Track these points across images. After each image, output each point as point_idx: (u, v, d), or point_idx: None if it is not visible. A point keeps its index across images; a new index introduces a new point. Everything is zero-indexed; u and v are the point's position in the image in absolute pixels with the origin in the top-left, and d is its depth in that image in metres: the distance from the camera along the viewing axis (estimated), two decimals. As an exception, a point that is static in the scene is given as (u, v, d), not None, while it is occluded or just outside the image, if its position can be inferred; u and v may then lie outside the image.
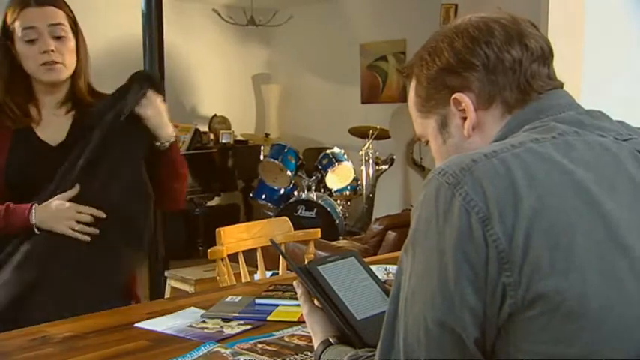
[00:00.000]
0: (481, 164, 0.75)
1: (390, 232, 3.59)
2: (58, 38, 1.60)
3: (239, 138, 7.12)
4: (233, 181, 6.57)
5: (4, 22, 1.62)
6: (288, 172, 5.36)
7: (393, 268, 1.71)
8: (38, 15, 1.58)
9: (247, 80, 7.66)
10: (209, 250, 2.00)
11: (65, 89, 1.68)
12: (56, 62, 1.60)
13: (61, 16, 1.62)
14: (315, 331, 1.05)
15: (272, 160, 5.40)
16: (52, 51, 1.59)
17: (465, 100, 0.88)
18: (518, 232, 0.71)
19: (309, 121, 7.28)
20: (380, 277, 1.21)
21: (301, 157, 5.58)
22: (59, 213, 1.54)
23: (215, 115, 7.00)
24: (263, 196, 5.55)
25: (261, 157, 5.95)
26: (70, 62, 1.64)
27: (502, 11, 0.91)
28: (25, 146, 1.64)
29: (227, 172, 6.53)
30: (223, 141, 6.77)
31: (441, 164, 0.79)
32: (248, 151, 6.72)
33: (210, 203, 6.14)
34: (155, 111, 1.63)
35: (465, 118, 0.89)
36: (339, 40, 6.96)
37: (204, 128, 6.71)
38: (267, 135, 7.22)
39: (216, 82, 7.21)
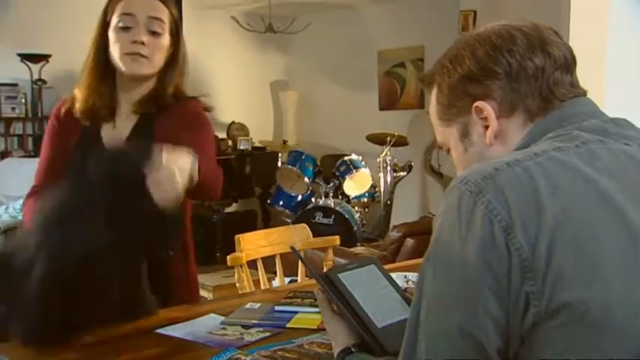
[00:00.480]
0: (503, 172, 0.75)
1: (408, 239, 3.57)
2: (153, 33, 1.55)
3: (257, 144, 7.15)
4: (251, 187, 6.60)
5: (105, 10, 1.58)
6: (306, 179, 5.37)
7: (412, 275, 1.71)
8: (140, 4, 1.55)
9: (265, 87, 7.69)
10: (229, 257, 2.01)
11: (146, 88, 1.62)
12: (142, 56, 1.54)
13: (162, 12, 1.57)
14: (336, 339, 1.04)
15: (290, 166, 5.41)
16: (143, 43, 1.53)
17: (487, 108, 0.87)
18: (541, 240, 0.70)
19: (327, 128, 7.29)
20: (399, 285, 1.21)
21: (319, 163, 5.58)
22: None
23: (233, 122, 7.04)
24: (281, 203, 5.56)
25: (279, 164, 5.97)
26: (158, 60, 1.58)
27: (524, 19, 0.91)
28: (86, 145, 1.60)
29: (245, 179, 6.56)
30: (241, 147, 6.80)
31: (462, 172, 0.79)
32: (266, 158, 6.75)
33: (227, 210, 6.17)
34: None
35: (486, 127, 0.89)
36: (356, 47, 6.97)
37: (222, 135, 6.75)
38: (284, 141, 7.25)
39: (235, 89, 7.25)
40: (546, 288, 0.70)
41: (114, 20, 1.55)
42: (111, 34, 1.56)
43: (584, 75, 0.93)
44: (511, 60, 0.87)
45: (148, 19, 1.55)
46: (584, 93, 0.90)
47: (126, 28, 1.54)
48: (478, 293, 0.72)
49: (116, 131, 1.61)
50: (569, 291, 0.69)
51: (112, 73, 1.60)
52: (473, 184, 0.75)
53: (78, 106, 1.61)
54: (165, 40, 1.59)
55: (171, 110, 1.64)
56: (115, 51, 1.56)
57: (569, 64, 0.88)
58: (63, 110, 1.65)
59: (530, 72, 0.86)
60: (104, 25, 1.58)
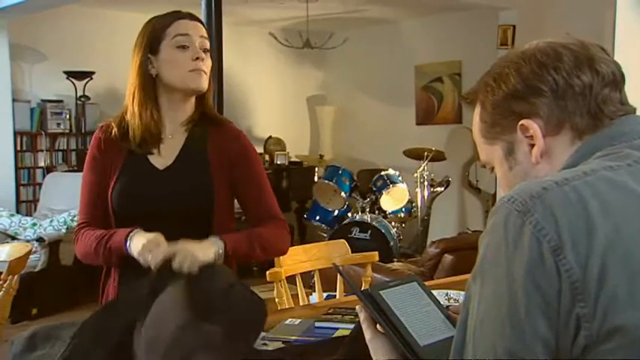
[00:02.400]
0: (552, 192, 0.74)
1: (446, 255, 3.53)
2: (205, 51, 1.62)
3: (294, 159, 7.19)
4: (287, 201, 6.63)
5: (150, 35, 1.61)
6: (343, 194, 5.37)
7: (454, 293, 1.69)
8: (192, 26, 1.62)
9: (302, 102, 7.75)
10: (268, 272, 2.02)
11: (191, 109, 1.67)
12: (204, 72, 1.61)
13: (206, 34, 1.65)
14: (378, 357, 1.04)
15: (326, 181, 5.42)
16: (203, 59, 1.61)
17: (533, 126, 0.86)
18: (592, 261, 0.69)
19: (364, 143, 7.29)
20: (441, 303, 1.19)
21: (355, 178, 5.58)
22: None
23: (270, 137, 7.10)
24: (317, 217, 5.57)
25: (316, 179, 5.99)
26: (209, 76, 1.65)
27: (570, 36, 0.90)
28: (133, 169, 1.62)
29: (281, 193, 6.60)
30: (278, 162, 6.85)
31: (509, 191, 0.78)
32: (302, 173, 6.78)
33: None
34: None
35: (532, 145, 0.88)
36: (393, 62, 6.98)
37: (259, 149, 6.81)
38: (321, 156, 7.27)
39: (272, 104, 7.33)
40: (598, 311, 0.68)
41: (170, 42, 1.59)
42: (168, 55, 1.59)
43: (629, 92, 0.91)
44: (557, 77, 0.86)
45: (200, 39, 1.61)
46: (634, 110, 0.88)
47: (183, 47, 1.59)
48: (526, 314, 0.71)
49: (164, 153, 1.64)
50: (622, 314, 0.68)
51: (156, 95, 1.64)
52: (520, 203, 0.74)
53: (125, 135, 1.62)
54: (209, 58, 1.64)
55: (218, 129, 1.68)
56: (175, 70, 1.60)
57: (617, 81, 0.87)
58: (103, 137, 1.66)
59: (577, 89, 0.85)
60: (150, 49, 1.61)
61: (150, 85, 1.62)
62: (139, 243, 1.44)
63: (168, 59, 1.60)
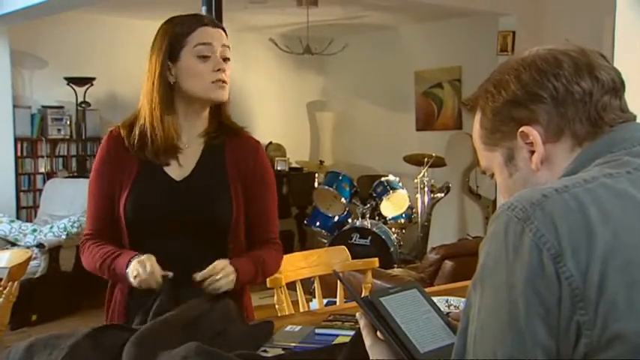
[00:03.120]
0: (552, 199, 0.74)
1: (446, 261, 3.53)
2: (225, 60, 1.57)
3: (294, 165, 7.19)
4: (287, 207, 6.63)
5: (169, 39, 1.54)
6: (343, 200, 5.37)
7: (454, 300, 1.69)
8: (215, 34, 1.56)
9: (302, 108, 7.76)
10: (268, 279, 2.01)
11: (207, 119, 1.62)
12: (225, 82, 1.56)
13: (227, 39, 1.59)
14: (378, 364, 1.04)
15: (326, 187, 5.42)
16: (224, 70, 1.56)
17: (533, 133, 0.87)
18: (593, 269, 0.69)
19: (364, 149, 7.30)
20: (442, 310, 1.19)
21: (355, 184, 5.58)
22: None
23: (270, 143, 7.11)
24: (317, 223, 5.57)
25: (316, 184, 5.99)
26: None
27: (570, 43, 0.90)
28: (148, 179, 1.57)
29: (282, 199, 6.57)
30: (278, 168, 6.85)
31: (509, 199, 0.78)
32: (302, 178, 6.78)
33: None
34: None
35: (532, 152, 0.88)
36: (393, 68, 6.99)
37: (259, 155, 6.81)
38: (321, 162, 7.28)
39: (272, 110, 7.34)
40: (598, 318, 0.68)
41: (191, 50, 1.53)
42: (189, 64, 1.54)
43: (629, 99, 0.91)
44: (557, 84, 0.86)
45: (221, 48, 1.56)
46: (634, 118, 0.88)
47: (205, 57, 1.54)
48: (527, 322, 0.71)
49: (181, 163, 1.59)
50: (622, 321, 0.68)
51: (173, 104, 1.58)
52: (520, 211, 0.74)
53: (140, 144, 1.57)
54: (229, 66, 1.60)
55: (235, 139, 1.65)
56: (196, 80, 1.54)
57: (617, 88, 0.87)
58: (112, 145, 1.60)
59: (577, 96, 0.85)
60: (169, 55, 1.54)
61: (168, 93, 1.56)
62: (132, 277, 1.46)
63: (189, 69, 1.54)
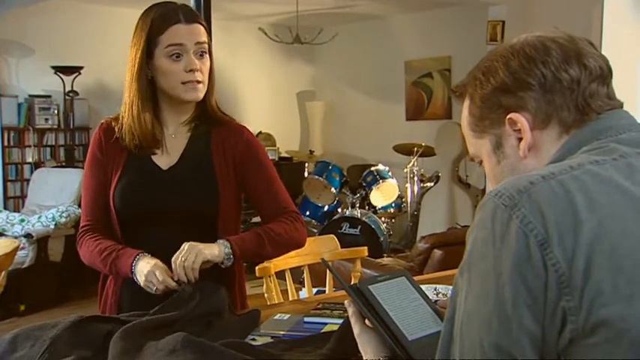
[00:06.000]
0: (539, 186, 0.74)
1: (436, 250, 3.55)
2: (201, 56, 1.56)
3: (284, 155, 7.18)
4: (277, 197, 6.62)
5: (147, 40, 1.54)
6: (333, 189, 5.37)
7: (442, 288, 1.69)
8: (187, 32, 1.53)
9: (292, 97, 7.74)
10: (257, 268, 2.01)
11: (192, 108, 1.63)
12: (199, 82, 1.55)
13: (204, 35, 1.57)
14: (367, 352, 1.04)
15: (316, 176, 5.42)
16: (197, 70, 1.54)
17: (521, 120, 0.87)
18: (578, 255, 0.69)
19: (354, 138, 7.30)
20: (430, 298, 1.20)
21: (345, 174, 5.59)
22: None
23: (260, 132, 7.08)
24: (307, 213, 5.57)
25: (306, 174, 5.98)
26: (207, 81, 1.59)
27: (559, 30, 0.90)
28: (136, 169, 1.59)
29: (272, 189, 6.59)
30: (268, 158, 6.84)
31: (497, 186, 0.78)
32: (292, 168, 6.78)
33: (254, 219, 6.19)
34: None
35: (520, 139, 0.88)
36: (383, 57, 6.98)
37: (249, 145, 6.79)
38: (311, 152, 7.27)
39: (262, 100, 7.31)
40: (584, 304, 0.69)
41: (162, 50, 1.53)
42: (161, 64, 1.54)
43: (617, 86, 0.91)
44: (545, 71, 0.86)
45: (195, 46, 1.54)
46: (621, 105, 0.88)
47: (177, 57, 1.53)
48: (513, 308, 0.71)
49: (168, 152, 1.61)
50: (607, 307, 0.68)
51: (155, 97, 1.59)
52: (507, 198, 0.74)
53: (125, 136, 1.58)
54: (208, 59, 1.59)
55: (221, 127, 1.64)
56: (167, 80, 1.55)
57: (605, 75, 0.87)
58: (103, 136, 1.62)
59: (565, 84, 0.85)
60: (146, 51, 1.54)
61: (148, 87, 1.56)
62: (141, 276, 1.47)
63: (161, 68, 1.54)
